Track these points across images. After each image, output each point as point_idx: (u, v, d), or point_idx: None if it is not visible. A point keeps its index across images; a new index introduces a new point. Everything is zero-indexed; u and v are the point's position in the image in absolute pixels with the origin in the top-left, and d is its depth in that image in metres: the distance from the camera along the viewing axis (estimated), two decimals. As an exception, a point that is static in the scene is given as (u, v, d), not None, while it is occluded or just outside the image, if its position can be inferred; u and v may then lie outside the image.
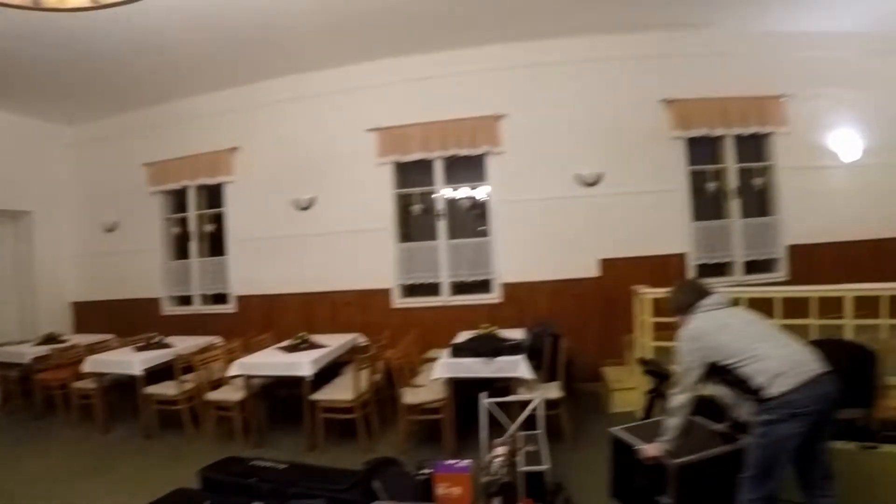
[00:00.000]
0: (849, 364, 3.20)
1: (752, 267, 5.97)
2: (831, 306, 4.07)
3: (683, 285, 2.75)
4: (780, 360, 2.31)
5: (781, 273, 5.93)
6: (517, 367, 4.09)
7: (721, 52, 5.93)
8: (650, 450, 2.64)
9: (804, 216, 5.88)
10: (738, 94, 5.87)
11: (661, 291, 4.23)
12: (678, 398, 2.53)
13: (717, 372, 2.45)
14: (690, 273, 5.78)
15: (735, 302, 3.09)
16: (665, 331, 4.00)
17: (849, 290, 3.94)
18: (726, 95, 5.87)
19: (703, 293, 2.61)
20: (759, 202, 6.05)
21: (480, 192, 6.12)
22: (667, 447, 2.57)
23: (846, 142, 6.03)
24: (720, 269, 5.98)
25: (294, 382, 4.48)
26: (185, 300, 6.86)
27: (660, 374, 3.52)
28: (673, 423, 2.55)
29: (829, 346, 3.30)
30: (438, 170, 6.03)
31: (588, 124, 5.92)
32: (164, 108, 6.84)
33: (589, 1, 5.19)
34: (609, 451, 3.01)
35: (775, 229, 5.98)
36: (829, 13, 5.71)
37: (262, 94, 6.54)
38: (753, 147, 6.03)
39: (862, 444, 2.90)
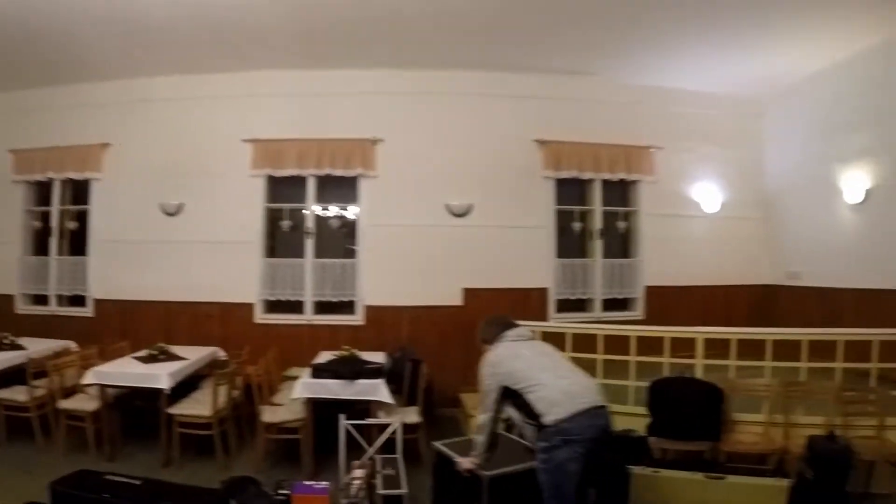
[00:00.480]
0: (699, 400, 3.75)
1: (611, 305, 6.21)
2: (684, 346, 4.33)
3: (490, 319, 2.96)
4: (558, 390, 2.51)
5: (638, 312, 6.20)
6: (377, 390, 4.12)
7: (598, 100, 6.18)
8: (464, 463, 2.85)
9: (663, 260, 6.15)
10: (610, 142, 6.14)
11: (522, 324, 4.39)
12: (480, 418, 2.73)
13: (510, 396, 2.65)
14: (551, 307, 5.89)
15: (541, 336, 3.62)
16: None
17: (701, 333, 4.24)
18: (599, 141, 6.12)
19: (507, 326, 2.84)
20: (621, 244, 6.34)
21: (351, 214, 6.02)
22: (477, 461, 2.78)
23: (707, 194, 6.34)
24: (580, 305, 6.19)
25: (151, 394, 4.33)
26: (42, 299, 6.51)
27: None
28: (479, 439, 2.75)
29: (680, 384, 3.88)
30: (311, 187, 5.95)
31: (462, 156, 5.99)
32: (37, 94, 6.48)
33: (476, 37, 5.29)
34: (433, 463, 3.22)
35: (635, 270, 6.26)
36: (701, 74, 6.07)
37: (140, 91, 6.29)
38: (620, 192, 6.31)
39: (709, 475, 3.11)
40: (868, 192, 5.59)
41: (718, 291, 6.32)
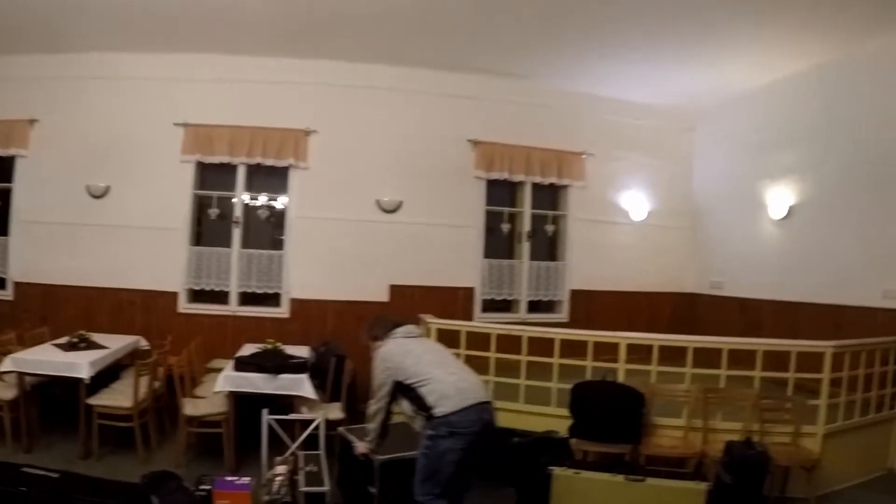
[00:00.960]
0: (620, 404, 3.88)
1: (537, 307, 6.37)
2: (607, 350, 4.43)
3: (378, 318, 3.17)
4: (447, 384, 2.66)
5: (563, 315, 6.37)
6: (301, 385, 4.11)
7: (533, 104, 6.30)
8: (360, 447, 3.09)
9: (589, 265, 6.30)
10: (543, 146, 6.28)
11: (447, 322, 4.72)
12: (372, 407, 2.91)
13: (402, 389, 2.80)
14: (477, 307, 5.98)
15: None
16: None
17: (624, 338, 4.34)
18: (531, 145, 6.26)
19: (395, 325, 2.99)
20: (548, 247, 6.51)
21: (280, 204, 6.06)
22: (370, 446, 3.02)
23: (635, 202, 6.51)
24: (506, 306, 6.32)
25: (70, 384, 4.19)
26: (-43, 280, 6.33)
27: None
28: (371, 427, 2.95)
29: (602, 388, 4.00)
30: (241, 176, 5.90)
31: (395, 152, 6.04)
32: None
33: (414, 34, 5.32)
34: (339, 447, 3.43)
35: (561, 274, 6.43)
36: (636, 85, 6.27)
37: (72, 67, 6.13)
38: (550, 196, 6.47)
39: (629, 477, 3.17)
40: (791, 209, 5.86)
41: (643, 298, 6.49)
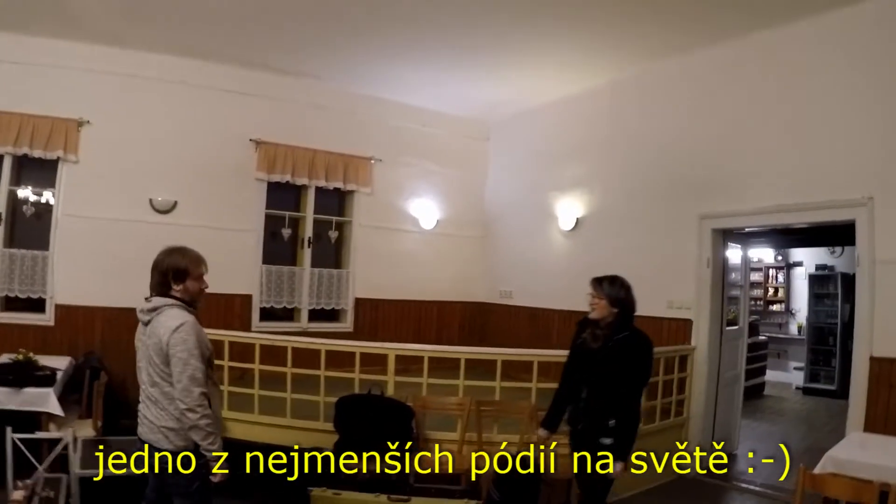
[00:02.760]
0: (387, 418, 4.78)
1: (319, 315, 8.64)
2: (378, 361, 5.55)
3: None
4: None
5: (347, 324, 8.72)
6: (46, 400, 4.74)
7: (320, 105, 8.62)
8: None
9: (375, 273, 8.35)
10: (330, 149, 8.58)
11: (224, 333, 5.79)
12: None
13: None
14: (255, 315, 7.67)
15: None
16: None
17: (392, 349, 5.52)
18: (317, 147, 8.50)
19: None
20: (332, 254, 8.85)
21: (47, 200, 7.23)
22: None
23: (425, 210, 8.64)
24: (288, 314, 8.47)
25: None
26: None
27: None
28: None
29: (368, 401, 4.96)
30: (6, 167, 6.95)
31: (173, 149, 7.78)
32: None
33: (197, 23, 6.53)
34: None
35: (345, 282, 8.74)
36: (428, 91, 8.50)
37: None
38: (336, 201, 8.87)
39: (393, 497, 3.75)
40: (579, 221, 8.45)
41: (432, 307, 8.60)
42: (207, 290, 3.36)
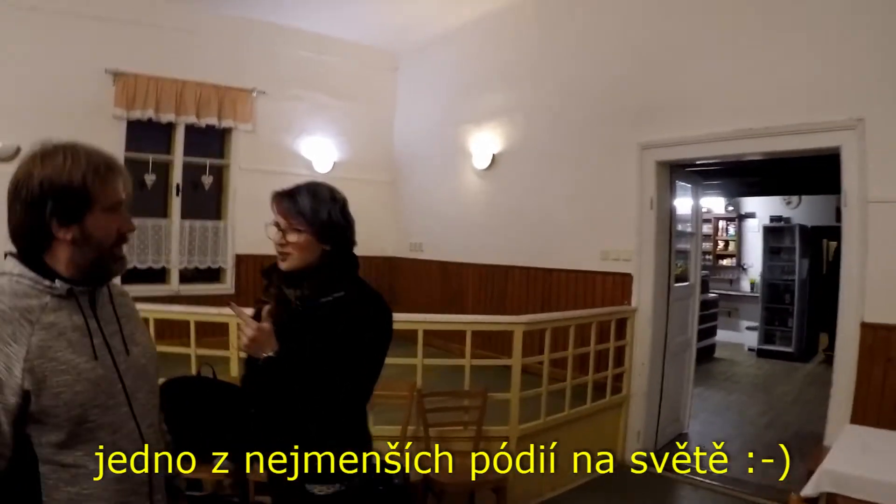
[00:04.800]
0: (218, 410, 3.51)
1: (195, 276, 7.46)
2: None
3: None
4: None
5: (228, 284, 7.57)
6: None
7: (190, 30, 7.22)
8: None
9: (260, 225, 6.80)
10: (202, 79, 7.24)
11: None
12: None
13: None
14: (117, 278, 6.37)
15: None
16: None
17: (231, 315, 4.33)
18: (187, 78, 7.17)
19: None
20: (209, 204, 7.57)
21: None
22: None
23: (319, 151, 7.50)
24: (157, 276, 7.26)
25: None
26: None
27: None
28: None
29: (198, 386, 3.68)
30: None
31: (14, 86, 6.50)
32: None
33: None
34: None
35: (224, 236, 7.54)
36: (324, 15, 7.23)
37: None
38: (215, 141, 7.56)
39: None
40: (495, 157, 7.19)
41: None
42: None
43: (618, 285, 5.58)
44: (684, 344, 5.99)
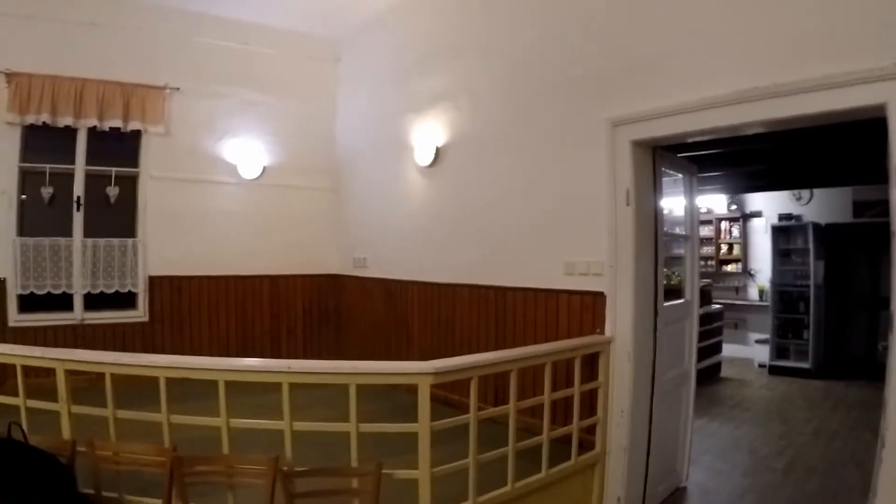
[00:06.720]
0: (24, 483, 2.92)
1: (101, 301, 6.47)
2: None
3: None
4: None
5: (140, 311, 6.60)
6: None
7: (91, 22, 6.32)
8: None
9: (177, 241, 6.61)
10: (104, 77, 6.32)
11: None
12: None
13: None
14: (12, 304, 6.21)
15: None
16: None
17: (62, 360, 3.30)
18: (88, 77, 6.28)
19: None
20: (114, 219, 6.58)
21: None
22: None
23: (245, 155, 6.91)
24: (58, 302, 6.33)
25: None
26: None
27: None
28: None
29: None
30: None
31: None
32: None
33: None
34: None
35: (133, 255, 6.54)
36: (252, 2, 6.45)
37: None
38: (117, 147, 6.54)
39: None
40: (439, 151, 5.92)
41: (262, 283, 6.62)
42: None
43: (587, 308, 4.35)
44: (680, 378, 4.64)
